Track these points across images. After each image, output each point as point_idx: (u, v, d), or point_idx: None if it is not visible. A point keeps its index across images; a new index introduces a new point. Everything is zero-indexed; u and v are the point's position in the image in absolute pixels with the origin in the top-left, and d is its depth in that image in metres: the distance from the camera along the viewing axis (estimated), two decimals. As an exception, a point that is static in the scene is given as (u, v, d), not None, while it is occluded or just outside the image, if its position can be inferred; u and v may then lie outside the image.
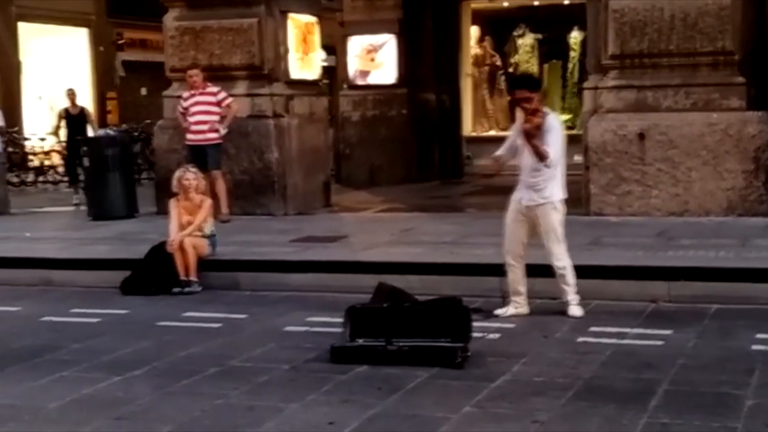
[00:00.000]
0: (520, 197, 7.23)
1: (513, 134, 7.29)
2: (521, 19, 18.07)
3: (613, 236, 9.36)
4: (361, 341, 6.18)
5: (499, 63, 18.20)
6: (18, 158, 19.19)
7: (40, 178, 18.39)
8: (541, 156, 6.94)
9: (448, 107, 16.77)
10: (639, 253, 8.41)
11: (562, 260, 7.19)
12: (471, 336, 6.15)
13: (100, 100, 25.55)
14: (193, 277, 8.57)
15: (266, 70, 11.98)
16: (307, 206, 12.11)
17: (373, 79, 16.23)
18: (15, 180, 17.82)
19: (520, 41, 18.12)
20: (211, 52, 12.01)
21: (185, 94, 11.46)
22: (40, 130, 20.82)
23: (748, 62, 10.44)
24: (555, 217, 7.14)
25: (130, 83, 26.14)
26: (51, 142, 18.25)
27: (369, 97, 16.20)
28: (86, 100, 24.70)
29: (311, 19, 12.56)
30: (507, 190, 7.41)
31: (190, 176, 8.90)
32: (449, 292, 7.66)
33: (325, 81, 23.49)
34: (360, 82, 16.32)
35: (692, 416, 4.82)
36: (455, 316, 6.18)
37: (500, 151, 7.27)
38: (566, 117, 16.35)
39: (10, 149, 18.60)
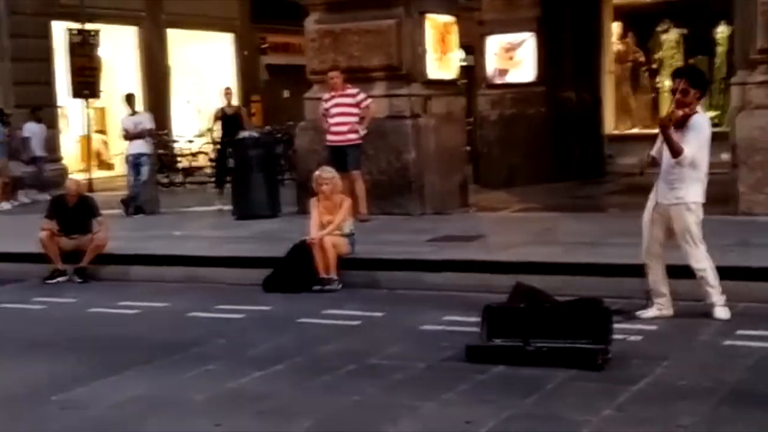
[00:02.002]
0: (656, 195, 7.06)
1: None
2: (665, 14, 17.53)
3: (762, 236, 9.00)
4: (498, 341, 6.16)
5: (642, 59, 17.76)
6: (168, 160, 19.92)
7: (188, 179, 19.00)
8: (673, 150, 6.75)
9: (588, 105, 16.47)
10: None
11: (701, 262, 6.97)
12: (612, 338, 6.03)
13: (245, 103, 26.23)
14: (332, 275, 8.70)
15: (404, 70, 12.05)
16: (444, 206, 12.11)
17: (511, 78, 16.08)
18: (164, 181, 18.51)
19: (664, 37, 17.61)
20: (350, 54, 12.15)
21: (325, 96, 11.65)
22: (188, 132, 21.61)
23: None
24: (689, 219, 6.92)
25: (273, 86, 26.75)
26: (198, 144, 18.88)
27: (507, 96, 16.06)
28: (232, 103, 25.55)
29: (449, 19, 12.55)
30: (650, 189, 7.23)
31: (326, 176, 9.05)
32: (589, 292, 7.47)
33: (463, 81, 23.49)
34: (498, 81, 16.20)
35: None
36: (595, 317, 6.07)
37: (654, 151, 7.08)
38: (712, 114, 15.77)
39: (160, 151, 19.42)
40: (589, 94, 16.49)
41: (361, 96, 11.41)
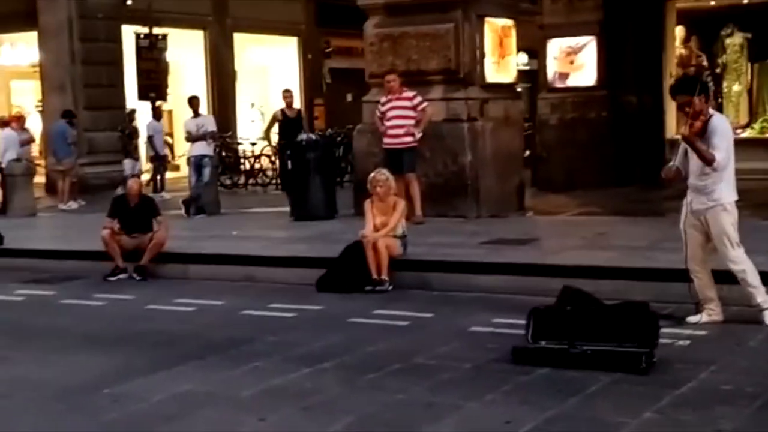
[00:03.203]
0: (690, 201, 7.05)
1: (681, 142, 7.09)
2: (729, 18, 17.31)
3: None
4: (543, 343, 6.19)
5: (705, 63, 17.55)
6: (230, 161, 20.23)
7: (251, 181, 19.27)
8: (706, 160, 6.75)
9: (649, 109, 16.34)
10: None
11: (740, 263, 6.93)
12: (658, 342, 6.02)
13: (309, 106, 26.54)
14: (384, 276, 8.79)
15: (462, 74, 12.11)
16: (500, 209, 12.13)
17: (572, 82, 16.07)
18: (227, 182, 18.82)
19: (728, 41, 17.38)
20: (408, 57, 12.25)
21: (383, 99, 11.77)
22: (253, 135, 21.92)
23: None
24: (726, 220, 6.91)
25: (336, 90, 26.97)
26: (261, 146, 19.14)
27: (568, 100, 16.05)
28: (296, 106, 25.86)
29: (508, 22, 12.58)
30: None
31: (380, 178, 9.15)
32: (640, 297, 7.50)
33: (527, 84, 23.42)
34: (559, 84, 16.20)
35: None
36: (641, 321, 6.07)
37: (676, 162, 7.09)
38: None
39: (223, 153, 19.76)
40: (650, 98, 16.36)
41: (418, 99, 11.50)
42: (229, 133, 21.23)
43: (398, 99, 11.49)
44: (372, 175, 9.38)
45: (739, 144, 17.62)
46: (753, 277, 6.94)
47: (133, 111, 18.78)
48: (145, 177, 17.43)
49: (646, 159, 16.22)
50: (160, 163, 18.06)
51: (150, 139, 17.80)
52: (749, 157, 15.50)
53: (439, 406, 5.26)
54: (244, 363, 6.34)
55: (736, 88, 17.49)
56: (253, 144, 19.94)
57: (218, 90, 24.07)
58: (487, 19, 12.21)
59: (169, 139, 22.61)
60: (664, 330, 6.58)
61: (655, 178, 15.71)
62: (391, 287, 8.76)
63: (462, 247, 9.73)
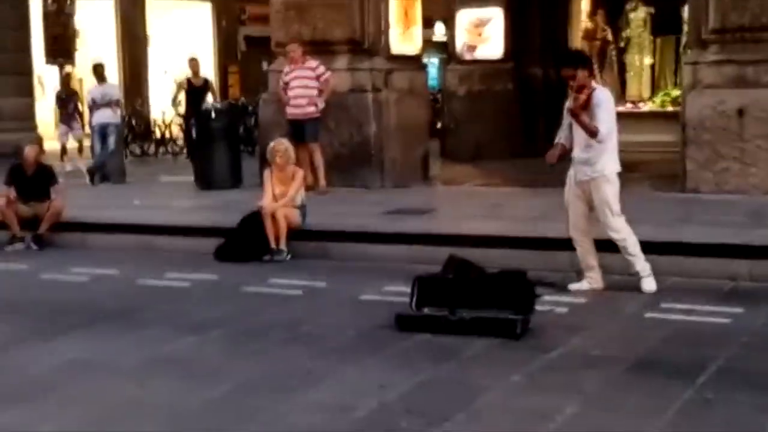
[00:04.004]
0: (574, 173, 7.27)
1: (565, 115, 7.29)
2: (633, -8, 17.71)
3: (703, 214, 9.22)
4: (426, 310, 6.37)
5: (610, 37, 17.92)
6: (140, 129, 19.99)
7: (161, 149, 19.09)
8: (591, 133, 6.97)
9: (555, 82, 16.58)
10: (725, 230, 8.28)
11: (620, 232, 7.18)
12: (533, 308, 6.25)
13: (223, 73, 26.35)
14: (282, 246, 8.87)
15: (367, 44, 12.17)
16: (405, 179, 12.27)
17: (479, 54, 16.22)
18: (137, 151, 18.62)
19: (632, 15, 17.78)
20: (314, 26, 12.24)
21: (286, 69, 11.77)
22: (164, 103, 21.67)
23: None
24: (608, 190, 7.14)
25: (251, 57, 26.77)
26: (171, 114, 18.95)
27: (475, 72, 16.21)
28: (209, 74, 25.56)
29: (413, -7, 12.67)
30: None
31: (279, 148, 9.21)
32: (530, 266, 7.74)
33: (442, 55, 23.45)
34: (467, 56, 16.34)
35: (739, 393, 4.85)
36: (519, 289, 6.29)
37: (561, 138, 7.31)
38: (678, 93, 16.00)
39: (133, 121, 19.52)
40: (556, 71, 16.56)
41: (321, 69, 11.53)
42: (139, 101, 20.97)
43: (301, 68, 11.51)
44: (271, 144, 9.43)
45: (641, 117, 18.14)
46: (633, 246, 7.20)
47: (68, 75, 18.25)
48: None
49: (552, 131, 16.47)
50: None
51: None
52: (650, 130, 16.04)
53: (318, 372, 5.39)
54: (131, 332, 6.39)
55: (646, 61, 17.90)
56: (164, 112, 19.73)
57: (130, 56, 23.75)
58: (392, -10, 12.28)
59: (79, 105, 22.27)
60: (545, 297, 6.87)
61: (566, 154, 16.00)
62: (289, 257, 8.85)
63: (362, 217, 9.85)
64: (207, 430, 4.59)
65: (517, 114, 16.09)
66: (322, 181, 11.40)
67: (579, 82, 7.01)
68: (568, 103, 7.17)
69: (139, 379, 5.35)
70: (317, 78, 11.51)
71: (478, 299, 6.28)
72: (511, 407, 4.80)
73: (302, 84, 11.47)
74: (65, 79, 18.03)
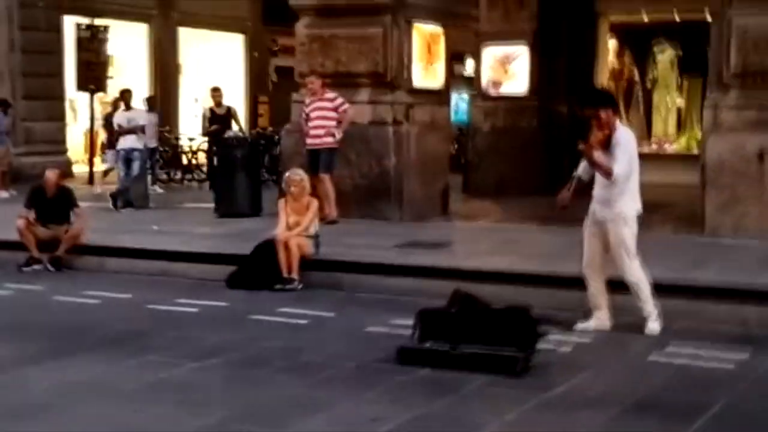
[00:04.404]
0: (593, 210, 7.25)
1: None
2: (661, 32, 17.68)
3: (719, 258, 9.15)
4: (428, 344, 6.35)
5: (637, 77, 17.91)
6: (168, 156, 20.17)
7: (187, 176, 19.26)
8: (604, 173, 6.94)
9: (580, 120, 16.56)
10: (738, 275, 8.22)
11: (634, 275, 7.14)
12: (536, 346, 6.22)
13: (253, 103, 26.56)
14: (294, 275, 8.90)
15: (389, 78, 12.26)
16: (423, 213, 12.29)
17: (505, 90, 16.28)
18: (164, 177, 18.78)
19: (659, 56, 17.76)
20: (337, 59, 12.38)
21: (307, 100, 11.89)
22: (194, 130, 21.88)
23: None
24: (625, 232, 7.10)
25: (282, 88, 26.94)
26: (199, 142, 19.13)
27: (500, 108, 16.26)
28: (240, 103, 25.84)
29: (437, 29, 12.76)
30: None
31: (295, 178, 9.28)
32: (541, 303, 7.71)
33: (473, 92, 23.53)
34: (492, 92, 16.41)
35: (733, 439, 4.79)
36: (521, 325, 6.27)
37: (580, 170, 7.30)
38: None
39: (161, 148, 19.70)
40: (579, 108, 16.59)
41: (339, 100, 11.63)
42: (167, 128, 21.16)
43: (320, 100, 11.63)
44: (287, 174, 9.51)
45: (666, 158, 18.07)
46: (645, 290, 7.14)
47: (120, 97, 18.34)
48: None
49: (575, 169, 16.49)
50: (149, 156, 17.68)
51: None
52: (674, 171, 15.98)
53: (313, 403, 5.39)
54: (135, 356, 6.43)
55: (677, 101, 17.83)
56: (191, 139, 19.92)
57: (161, 84, 23.98)
58: (416, 25, 12.37)
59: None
60: (551, 336, 6.83)
61: (583, 187, 16.02)
62: (300, 286, 8.87)
63: (375, 249, 9.87)
64: (195, 457, 4.60)
65: (540, 151, 16.08)
66: (331, 211, 11.43)
67: (603, 121, 7.00)
68: (583, 144, 7.14)
69: (136, 404, 5.38)
70: (335, 109, 11.60)
71: (480, 334, 6.26)
72: (502, 445, 4.78)
73: (321, 115, 11.58)
74: (115, 103, 18.11)
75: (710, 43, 10.95)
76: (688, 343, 6.74)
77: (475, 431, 4.93)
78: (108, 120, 17.54)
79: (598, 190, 7.14)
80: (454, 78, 27.70)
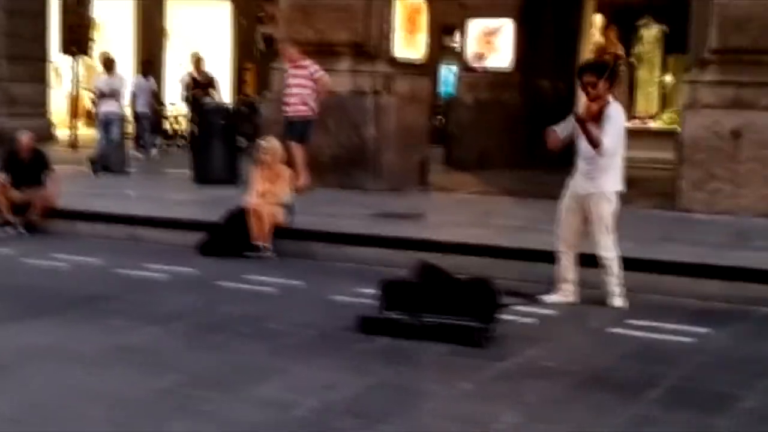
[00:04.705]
0: (574, 185, 7.24)
1: (572, 120, 7.24)
2: (647, 10, 17.63)
3: (689, 233, 9.20)
4: (391, 314, 6.37)
5: (621, 53, 17.87)
6: (152, 122, 20.05)
7: (168, 142, 19.19)
8: (594, 142, 6.92)
9: (563, 95, 16.58)
10: (704, 251, 8.25)
11: (607, 251, 7.16)
12: (496, 318, 6.24)
13: (239, 71, 26.44)
14: (266, 243, 8.91)
15: (369, 48, 12.22)
16: (401, 184, 12.29)
17: (489, 63, 16.23)
18: (156, 142, 18.68)
19: (644, 32, 17.73)
20: (318, 28, 12.32)
21: (288, 69, 11.85)
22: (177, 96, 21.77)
23: None
24: (606, 208, 7.11)
25: (269, 56, 26.75)
26: (180, 108, 19.06)
27: (483, 81, 16.22)
28: (226, 71, 25.75)
29: (419, 0, 12.69)
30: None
31: (267, 146, 9.26)
32: (511, 276, 7.80)
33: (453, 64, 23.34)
34: (476, 65, 16.36)
35: (684, 412, 4.82)
36: (483, 297, 6.28)
37: (557, 128, 7.25)
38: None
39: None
40: (564, 84, 16.59)
41: (314, 68, 11.58)
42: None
43: (296, 68, 11.60)
44: (260, 142, 9.48)
45: (647, 134, 18.08)
46: (615, 266, 7.17)
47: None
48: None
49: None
50: (139, 122, 17.59)
51: (133, 95, 17.37)
52: (655, 147, 15.99)
53: (269, 369, 5.41)
54: (98, 320, 6.44)
55: (662, 79, 17.82)
56: (173, 104, 19.84)
57: (147, 49, 23.85)
58: (399, -5, 12.32)
59: (92, 95, 22.38)
60: (517, 308, 6.87)
61: (564, 161, 16.04)
62: (271, 254, 8.88)
63: (350, 219, 9.87)
64: (144, 419, 4.61)
65: (523, 125, 16.04)
66: (300, 180, 11.40)
67: (598, 92, 6.98)
68: (578, 110, 7.09)
69: (93, 367, 5.38)
70: (310, 78, 11.55)
71: (443, 305, 6.27)
72: (451, 414, 4.80)
73: (296, 83, 11.56)
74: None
75: (691, 20, 10.90)
76: (649, 317, 6.77)
77: (426, 399, 4.96)
78: None
79: (581, 164, 7.13)
80: (443, 50, 27.66)
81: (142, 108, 17.21)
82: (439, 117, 18.48)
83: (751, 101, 10.22)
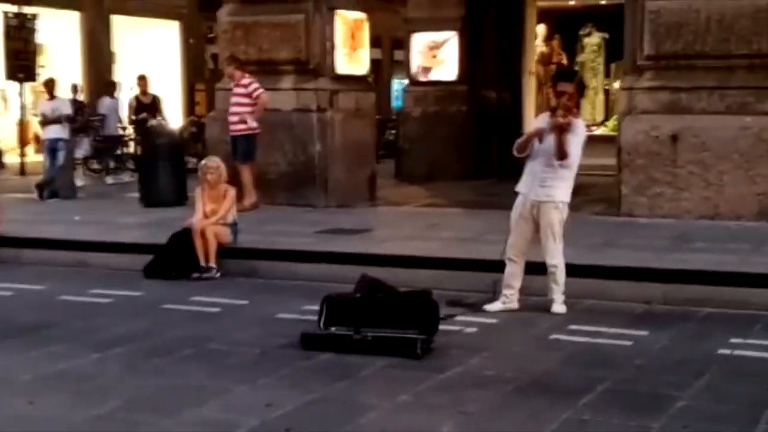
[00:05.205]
0: (526, 192, 7.29)
1: (540, 126, 7.27)
2: (589, 17, 17.88)
3: (630, 237, 9.32)
4: (333, 329, 6.40)
5: (565, 61, 18.10)
6: (101, 146, 19.91)
7: (118, 166, 19.02)
8: (563, 153, 6.99)
9: (509, 105, 16.77)
10: (646, 254, 8.38)
11: (556, 259, 7.25)
12: (436, 328, 6.30)
13: (190, 91, 26.37)
14: (212, 264, 8.89)
15: (312, 65, 12.27)
16: (350, 199, 12.32)
17: (434, 76, 16.36)
18: (96, 167, 18.56)
19: (586, 40, 17.98)
20: (260, 46, 12.36)
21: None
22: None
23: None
24: (555, 217, 7.21)
25: (219, 75, 26.75)
26: (130, 131, 18.95)
27: (430, 94, 16.34)
28: (176, 91, 25.68)
29: (360, 15, 12.77)
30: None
31: (211, 164, 9.26)
32: (455, 286, 7.87)
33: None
34: (422, 78, 16.48)
35: (616, 415, 4.90)
36: (423, 309, 6.34)
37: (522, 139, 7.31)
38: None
39: (92, 138, 19.45)
40: (510, 94, 16.78)
41: (254, 86, 11.61)
42: (99, 117, 20.91)
43: (237, 86, 11.64)
44: (203, 161, 9.49)
45: (593, 141, 18.23)
46: (561, 275, 7.26)
47: (74, 86, 17.99)
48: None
49: (504, 153, 16.63)
50: (110, 144, 17.39)
51: (103, 119, 17.19)
52: (600, 154, 16.14)
53: (210, 390, 5.41)
54: (38, 347, 6.39)
55: (605, 85, 18.05)
56: (124, 128, 19.71)
57: (95, 73, 23.70)
58: (338, 12, 12.38)
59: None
60: (459, 318, 6.94)
61: (513, 171, 16.15)
62: (218, 274, 8.87)
63: (295, 236, 9.89)
64: (81, 446, 4.59)
65: (470, 136, 16.19)
66: (247, 200, 11.43)
67: (572, 102, 7.08)
68: (550, 120, 7.05)
69: (29, 395, 5.35)
70: (249, 95, 11.58)
71: (383, 319, 6.32)
72: (390, 427, 4.83)
73: (236, 101, 11.62)
74: (73, 91, 17.71)
75: (624, 27, 11.07)
76: (591, 322, 6.88)
77: (366, 412, 4.98)
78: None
79: (539, 171, 7.16)
80: (395, 64, 27.77)
81: (112, 130, 17.18)
82: (394, 131, 18.58)
83: (688, 105, 10.40)
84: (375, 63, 27.58)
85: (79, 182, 15.43)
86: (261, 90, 11.59)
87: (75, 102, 17.15)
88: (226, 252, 9.07)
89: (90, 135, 17.08)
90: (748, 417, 4.83)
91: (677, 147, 10.29)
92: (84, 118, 17.15)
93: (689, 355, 6.02)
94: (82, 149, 16.21)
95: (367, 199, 12.79)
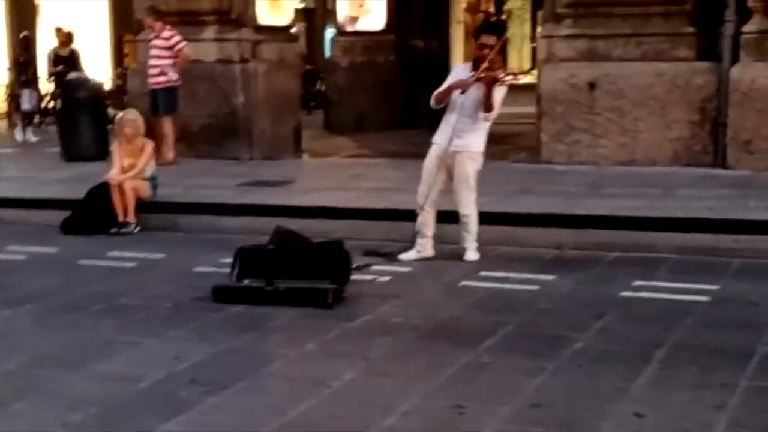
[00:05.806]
0: (441, 141, 7.34)
1: (461, 76, 7.26)
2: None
3: (547, 184, 9.48)
4: (246, 282, 6.44)
5: (492, 10, 18.13)
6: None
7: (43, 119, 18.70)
8: (489, 106, 7.03)
9: (437, 54, 16.77)
10: (559, 201, 8.53)
11: (468, 208, 7.34)
12: (348, 278, 6.37)
13: (118, 43, 25.90)
14: (130, 219, 8.85)
15: (234, 15, 12.16)
16: (275, 151, 12.30)
17: (361, 25, 16.29)
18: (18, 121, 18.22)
19: (513, -12, 18.02)
20: (182, -3, 12.21)
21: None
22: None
23: (698, 12, 10.36)
24: (470, 166, 7.28)
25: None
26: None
27: (358, 44, 16.28)
28: (104, 44, 25.19)
29: (282, -36, 12.67)
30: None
31: (128, 118, 9.18)
32: (374, 236, 7.95)
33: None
34: (349, 28, 16.42)
35: (515, 356, 5.03)
36: (335, 259, 6.41)
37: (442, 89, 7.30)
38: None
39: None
40: (438, 42, 16.78)
41: (175, 39, 11.48)
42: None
43: (157, 38, 11.49)
44: (120, 115, 9.40)
45: (518, 89, 18.28)
46: (473, 224, 7.35)
47: (25, 37, 17.49)
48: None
49: (428, 102, 16.68)
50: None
51: None
52: (526, 102, 16.28)
53: (118, 344, 5.43)
54: (-53, 306, 6.34)
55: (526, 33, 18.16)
56: (48, 82, 19.32)
57: (18, 26, 23.13)
58: (260, -39, 12.26)
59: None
60: (374, 267, 7.02)
61: (440, 120, 16.16)
62: (137, 229, 8.83)
63: (216, 189, 9.87)
64: (-17, 403, 4.59)
65: (398, 86, 16.18)
66: (169, 153, 11.35)
67: (496, 54, 7.10)
68: (476, 72, 7.01)
69: (-65, 353, 5.32)
70: (170, 48, 11.45)
71: (296, 270, 6.38)
72: (295, 375, 4.91)
73: (155, 54, 11.48)
74: (23, 43, 17.19)
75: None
76: (502, 268, 7.01)
77: (272, 362, 5.05)
78: (18, 59, 16.72)
79: (456, 121, 7.18)
80: (328, 13, 27.46)
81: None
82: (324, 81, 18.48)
83: (605, 53, 10.53)
84: (308, 12, 27.48)
85: (18, 137, 15.21)
86: (184, 43, 11.46)
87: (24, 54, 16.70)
88: (145, 206, 9.03)
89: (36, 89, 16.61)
90: (641, 356, 4.99)
91: (594, 94, 10.44)
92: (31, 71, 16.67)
93: (591, 298, 6.18)
94: (28, 103, 15.85)
95: (292, 150, 12.78)
